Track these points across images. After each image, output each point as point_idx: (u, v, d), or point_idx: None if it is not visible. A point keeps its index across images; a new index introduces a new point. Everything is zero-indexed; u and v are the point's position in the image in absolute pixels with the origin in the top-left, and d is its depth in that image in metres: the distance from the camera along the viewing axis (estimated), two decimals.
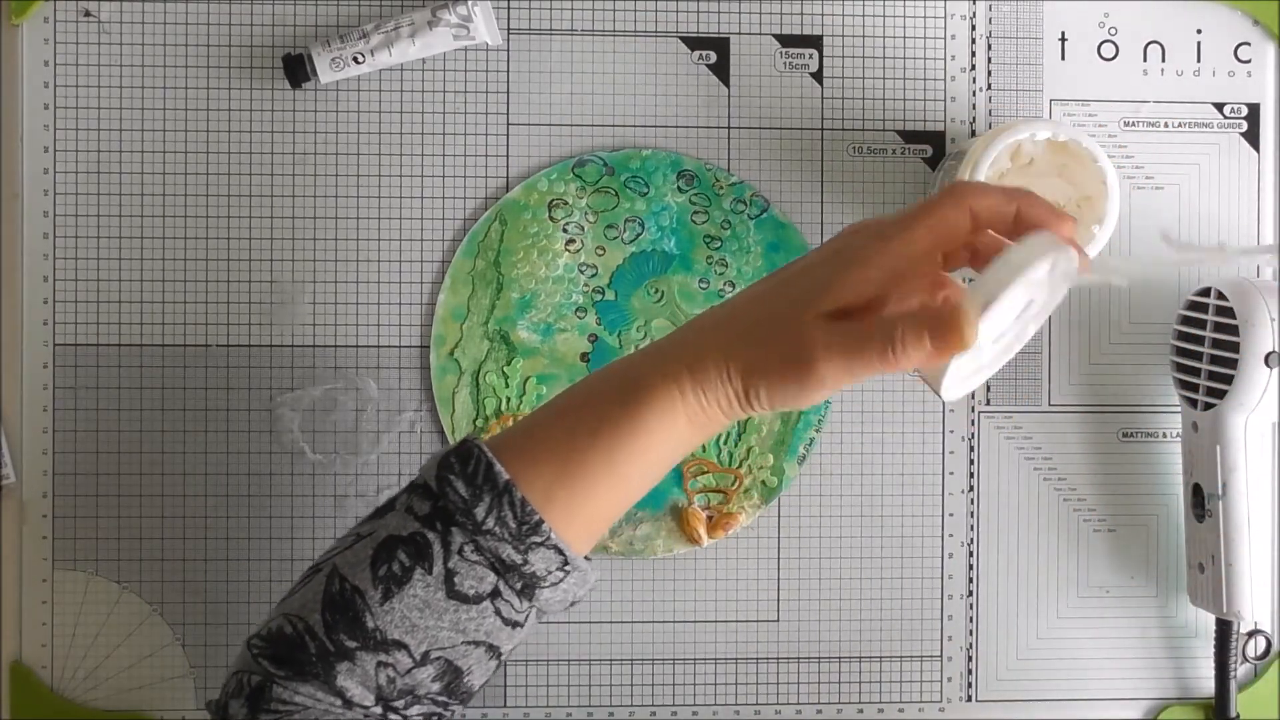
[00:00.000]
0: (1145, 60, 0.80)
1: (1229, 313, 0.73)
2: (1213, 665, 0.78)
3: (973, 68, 0.80)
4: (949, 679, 0.80)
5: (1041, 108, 0.80)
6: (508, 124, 0.79)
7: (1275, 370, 0.73)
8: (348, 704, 0.57)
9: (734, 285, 0.79)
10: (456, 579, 0.58)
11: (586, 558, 0.61)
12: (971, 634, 0.80)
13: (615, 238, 0.79)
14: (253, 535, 0.78)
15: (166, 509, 0.77)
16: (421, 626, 0.57)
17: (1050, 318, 0.79)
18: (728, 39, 0.79)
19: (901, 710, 0.80)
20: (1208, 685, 0.79)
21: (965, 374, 0.59)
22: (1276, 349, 0.73)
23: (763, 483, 0.79)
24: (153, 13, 0.77)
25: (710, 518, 0.79)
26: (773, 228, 0.79)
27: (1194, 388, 0.76)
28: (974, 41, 0.80)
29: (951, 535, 0.80)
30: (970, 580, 0.80)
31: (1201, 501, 0.76)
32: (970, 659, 0.80)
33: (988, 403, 0.80)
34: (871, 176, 0.80)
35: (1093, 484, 0.80)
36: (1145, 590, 0.81)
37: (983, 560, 0.80)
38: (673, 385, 0.58)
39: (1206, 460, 0.76)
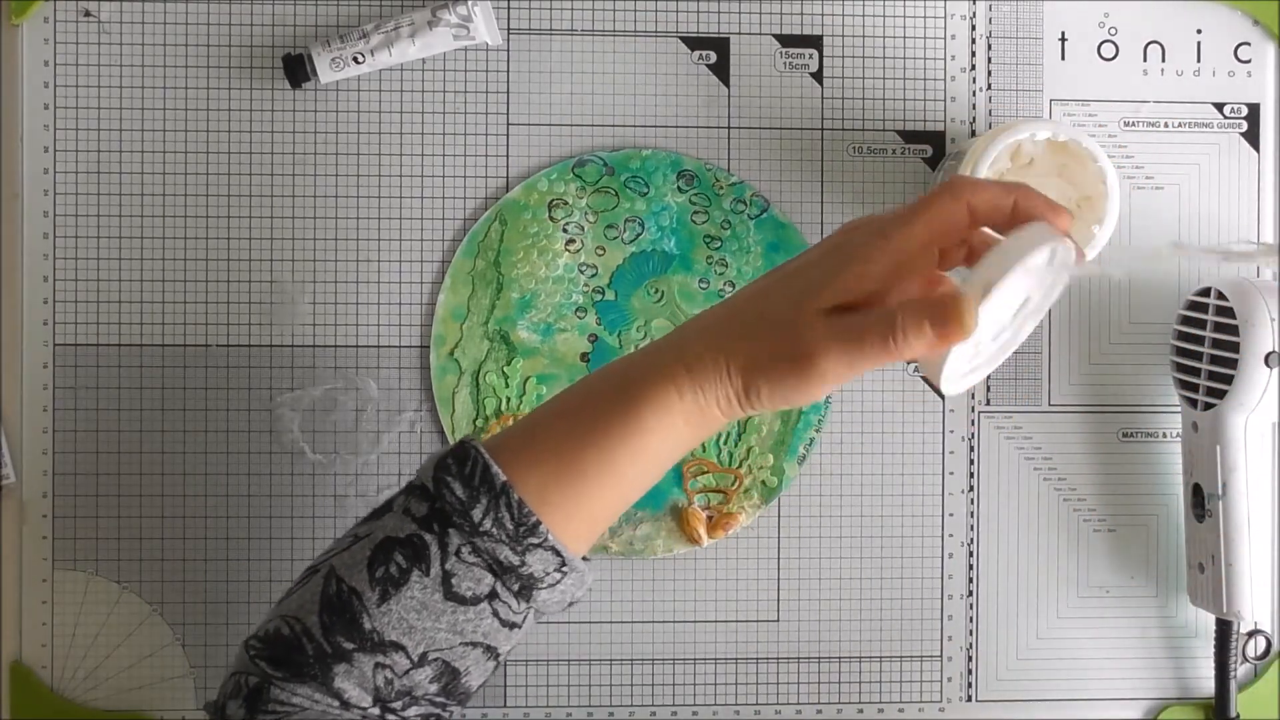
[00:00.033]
0: (1145, 60, 0.80)
1: (1229, 313, 0.73)
2: (1213, 665, 0.78)
3: (973, 68, 0.80)
4: (949, 679, 0.80)
5: (1041, 108, 0.80)
6: (508, 124, 0.78)
7: (1275, 370, 0.73)
8: (345, 705, 0.57)
9: (734, 285, 0.78)
10: (454, 580, 0.57)
11: (584, 558, 0.61)
12: (971, 634, 0.80)
13: (615, 238, 0.79)
14: (253, 535, 0.78)
15: (166, 509, 0.77)
16: (419, 628, 0.57)
17: (1050, 318, 0.79)
18: (728, 39, 0.79)
19: (901, 710, 0.80)
20: (1208, 685, 0.79)
21: (964, 370, 0.59)
22: (1276, 349, 0.73)
23: (763, 483, 0.79)
24: (153, 13, 0.77)
25: (710, 518, 0.79)
26: (773, 228, 0.79)
27: (1194, 388, 0.76)
28: (974, 41, 0.80)
29: (951, 535, 0.80)
30: (970, 580, 0.80)
31: (1201, 501, 0.76)
32: (970, 659, 0.80)
33: (988, 403, 0.80)
34: (871, 176, 0.79)
35: (1093, 484, 0.80)
36: (1145, 590, 0.80)
37: (983, 560, 0.80)
38: (670, 385, 0.58)
39: (1206, 460, 0.76)
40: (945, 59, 0.79)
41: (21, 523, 0.76)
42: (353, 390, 0.78)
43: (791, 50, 0.79)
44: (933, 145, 0.79)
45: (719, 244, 0.79)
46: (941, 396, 0.79)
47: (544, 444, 0.59)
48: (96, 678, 0.77)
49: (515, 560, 0.58)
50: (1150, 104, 0.80)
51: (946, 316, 0.55)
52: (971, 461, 0.79)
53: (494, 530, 0.57)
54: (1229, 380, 0.73)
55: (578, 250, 0.78)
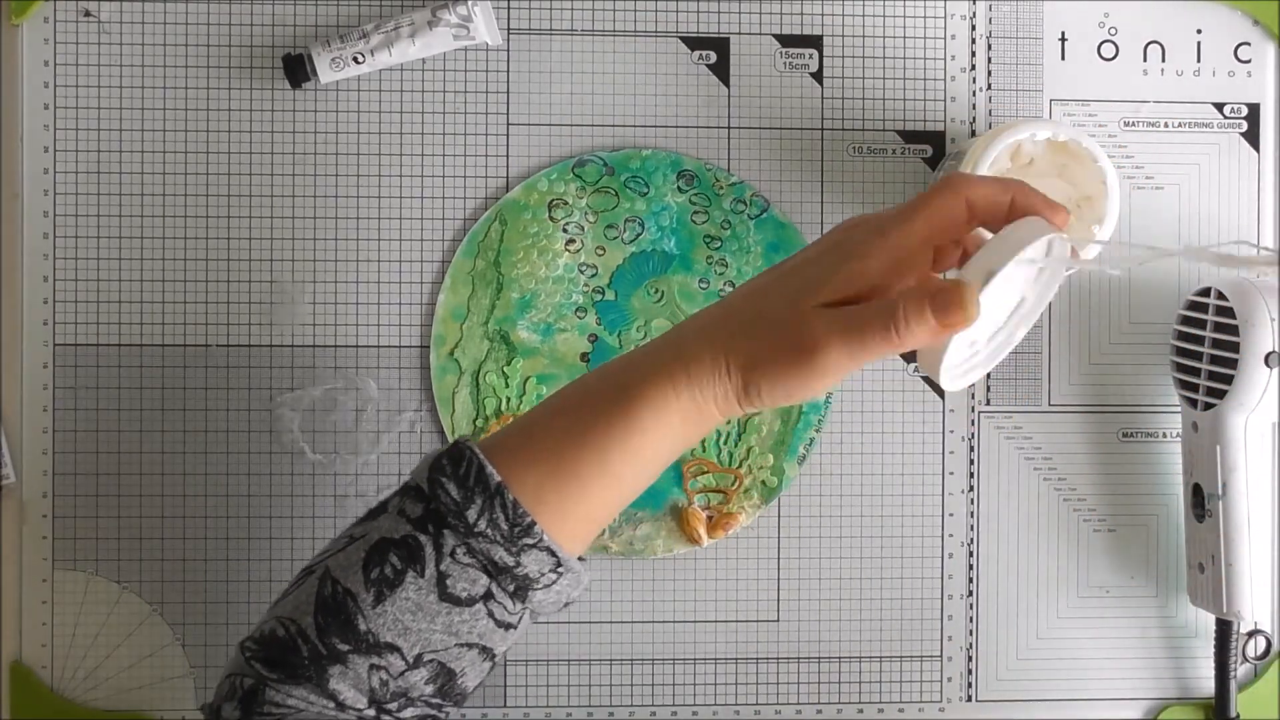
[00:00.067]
0: (1145, 60, 0.80)
1: (1229, 313, 0.73)
2: (1213, 665, 0.77)
3: (973, 68, 0.80)
4: (949, 679, 0.80)
5: (1041, 108, 0.80)
6: (508, 124, 0.78)
7: (1275, 370, 0.73)
8: (341, 706, 0.57)
9: (734, 285, 0.78)
10: (449, 581, 0.57)
11: (581, 558, 0.60)
12: (971, 634, 0.80)
13: (615, 238, 0.79)
14: (253, 535, 0.77)
15: (166, 509, 0.77)
16: (414, 629, 0.57)
17: (1050, 318, 0.79)
18: (728, 39, 0.79)
19: (901, 710, 0.79)
20: (1208, 685, 0.79)
21: (962, 368, 0.59)
22: (1276, 349, 0.73)
23: (763, 483, 0.79)
24: (153, 13, 0.77)
25: (710, 518, 0.79)
26: (773, 228, 0.79)
27: (1194, 388, 0.75)
28: (974, 41, 0.80)
29: (951, 535, 0.80)
30: (970, 580, 0.80)
31: (1201, 501, 0.76)
32: (970, 659, 0.80)
33: (988, 403, 0.80)
34: (871, 176, 0.79)
35: (1093, 484, 0.80)
36: (1145, 590, 0.80)
37: (983, 560, 0.80)
38: (667, 384, 0.58)
39: (1206, 460, 0.75)
40: (945, 59, 0.79)
41: (21, 523, 0.76)
42: (353, 390, 0.78)
43: (791, 50, 0.79)
44: (933, 145, 0.79)
45: (719, 244, 0.78)
46: (941, 396, 0.79)
47: (540, 444, 0.58)
48: (96, 678, 0.77)
49: (510, 561, 0.57)
50: (1150, 104, 0.80)
51: (948, 302, 0.55)
52: (971, 461, 0.79)
53: (489, 531, 0.57)
54: (1229, 380, 0.73)
55: (578, 250, 0.78)
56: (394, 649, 0.57)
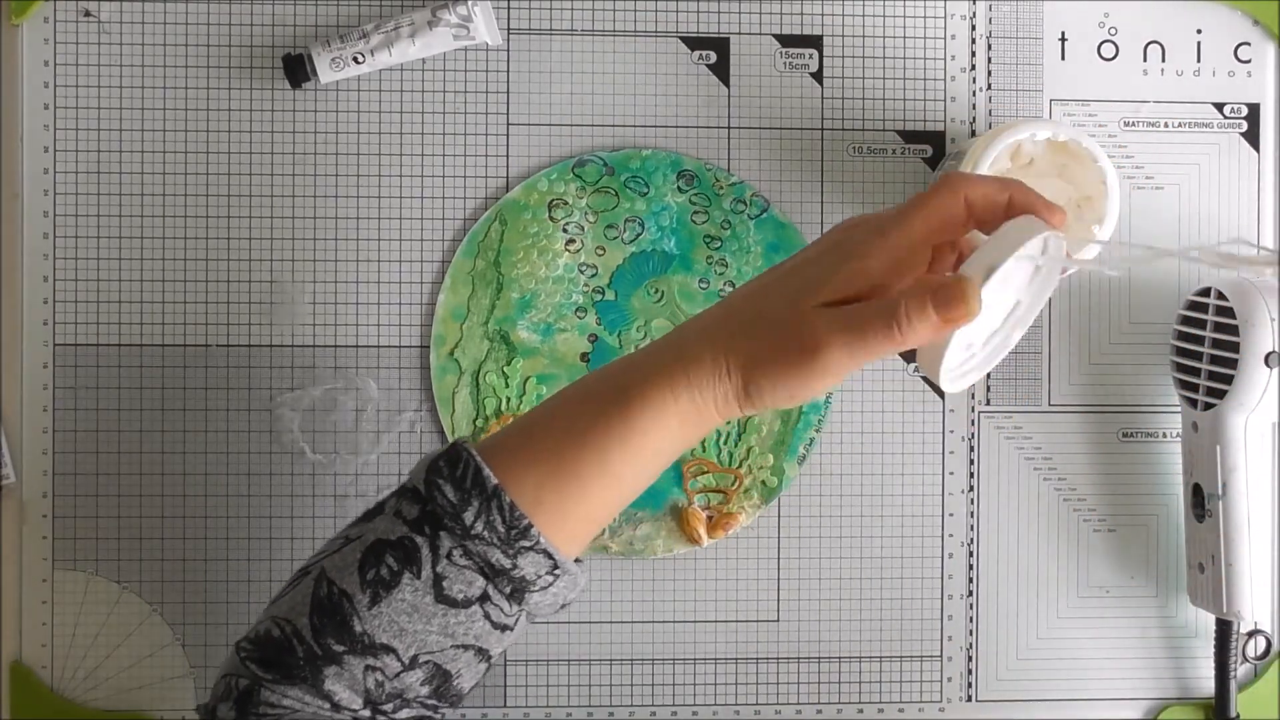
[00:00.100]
0: (1145, 60, 0.80)
1: (1229, 313, 0.73)
2: (1213, 665, 0.77)
3: (973, 68, 0.80)
4: (949, 679, 0.80)
5: (1041, 108, 0.80)
6: (508, 124, 0.78)
7: (1275, 370, 0.73)
8: (336, 707, 0.56)
9: (734, 285, 0.78)
10: (445, 583, 0.57)
11: (578, 560, 0.60)
12: (971, 634, 0.80)
13: (615, 238, 0.78)
14: (253, 535, 0.77)
15: (166, 509, 0.77)
16: (410, 631, 0.57)
17: (1050, 318, 0.79)
18: (728, 39, 0.79)
19: (901, 710, 0.79)
20: (1208, 685, 0.79)
21: (960, 369, 0.59)
22: (1276, 349, 0.72)
23: (763, 483, 0.79)
24: (153, 13, 0.77)
25: (710, 518, 0.79)
26: (773, 228, 0.79)
27: (1194, 388, 0.75)
28: (974, 41, 0.79)
29: (951, 535, 0.80)
30: (970, 580, 0.80)
31: (1201, 501, 0.76)
32: (970, 659, 0.80)
33: (988, 403, 0.80)
34: (871, 176, 0.79)
35: (1093, 484, 0.80)
36: (1145, 590, 0.80)
37: (983, 560, 0.80)
38: (665, 388, 0.57)
39: (1206, 460, 0.75)
40: (945, 59, 0.79)
41: (21, 523, 0.76)
42: (353, 390, 0.77)
43: (791, 50, 0.79)
44: (933, 145, 0.79)
45: (719, 244, 0.78)
46: (941, 396, 0.79)
47: (538, 446, 0.58)
48: (96, 678, 0.77)
49: (507, 563, 0.57)
50: (1150, 104, 0.80)
51: (950, 297, 0.54)
52: (971, 461, 0.79)
53: (485, 533, 0.57)
54: (1229, 380, 0.73)
55: (578, 250, 0.78)
56: (389, 650, 0.57)
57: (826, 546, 0.79)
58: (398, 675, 0.57)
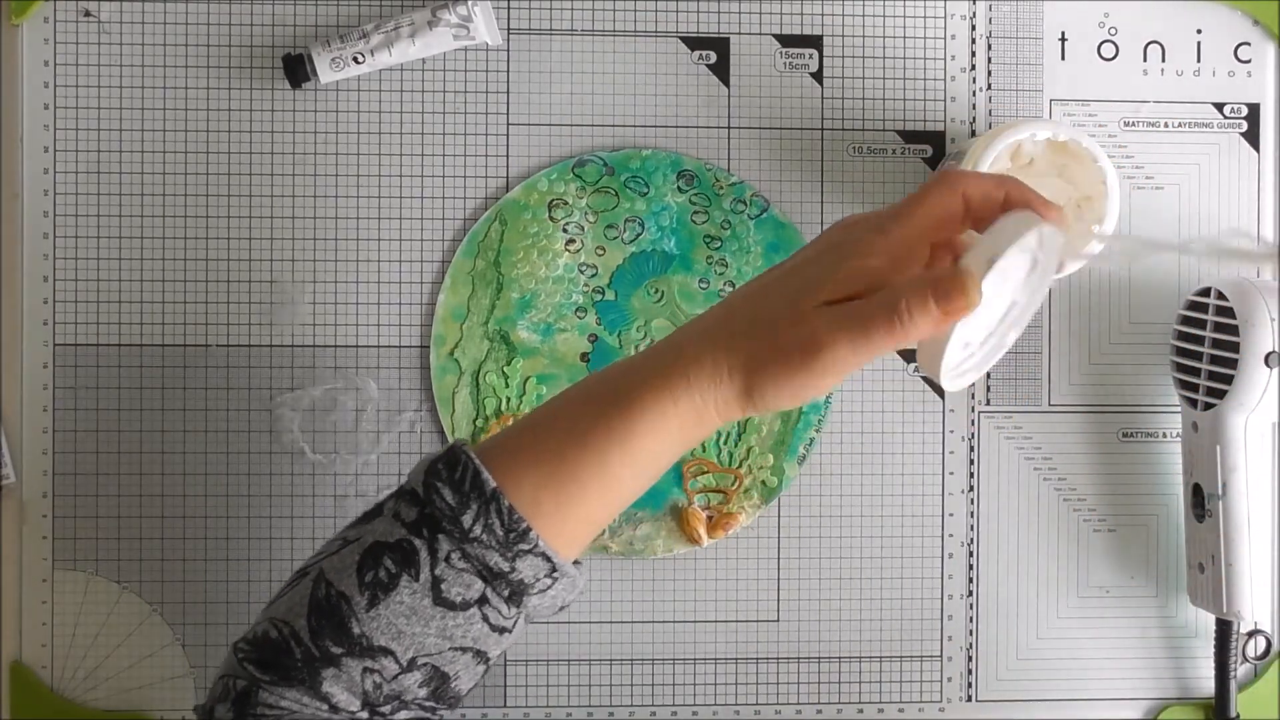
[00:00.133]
0: (1145, 60, 0.80)
1: (1229, 313, 0.73)
2: (1213, 665, 0.77)
3: (973, 68, 0.79)
4: (949, 679, 0.80)
5: (1041, 108, 0.80)
6: (508, 124, 0.78)
7: (1275, 370, 0.73)
8: (334, 709, 0.56)
9: (734, 285, 0.78)
10: (443, 586, 0.56)
11: (577, 562, 0.59)
12: (971, 634, 0.80)
13: (615, 238, 0.78)
14: (253, 535, 0.77)
15: (166, 509, 0.77)
16: (408, 633, 0.56)
17: (1050, 318, 0.79)
18: (728, 39, 0.79)
19: (901, 710, 0.79)
20: (1208, 685, 0.79)
21: (959, 369, 0.59)
22: (1276, 349, 0.72)
23: (763, 483, 0.79)
24: (153, 13, 0.77)
25: (710, 518, 0.79)
26: (773, 228, 0.79)
27: (1194, 388, 0.75)
28: (974, 41, 0.79)
29: (951, 535, 0.79)
30: (970, 580, 0.80)
31: (1201, 501, 0.76)
32: (970, 659, 0.80)
33: (988, 403, 0.80)
34: (871, 176, 0.79)
35: (1093, 484, 0.80)
36: (1145, 590, 0.80)
37: (983, 560, 0.80)
38: (664, 391, 0.57)
39: (1206, 460, 0.75)
40: (945, 59, 0.79)
41: (21, 523, 0.76)
42: (353, 390, 0.77)
43: (791, 50, 0.79)
44: (933, 145, 0.79)
45: (719, 244, 0.78)
46: (941, 396, 0.79)
47: (537, 449, 0.58)
48: (96, 678, 0.77)
49: (505, 566, 0.56)
50: (1150, 104, 0.80)
51: (951, 288, 0.54)
52: (971, 461, 0.79)
53: (484, 537, 0.56)
54: (1229, 380, 0.73)
55: (578, 250, 0.78)
56: (387, 652, 0.56)
57: (826, 546, 0.79)
58: (396, 677, 0.57)
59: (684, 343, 0.58)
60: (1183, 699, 0.79)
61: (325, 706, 0.56)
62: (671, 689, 0.78)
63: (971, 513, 0.79)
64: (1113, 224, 0.71)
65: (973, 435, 0.79)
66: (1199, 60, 0.79)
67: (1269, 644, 0.79)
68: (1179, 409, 0.78)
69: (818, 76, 0.78)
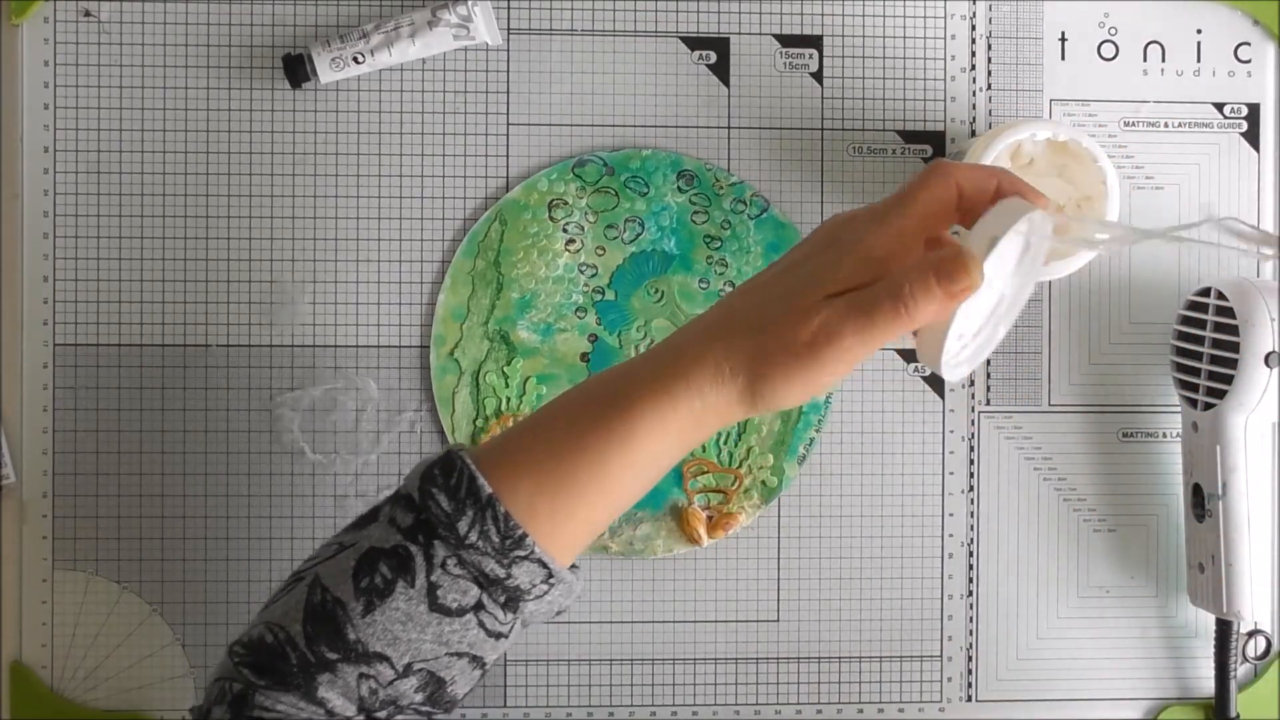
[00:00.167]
0: (1145, 60, 0.80)
1: (1229, 313, 0.73)
2: (1213, 665, 0.76)
3: (973, 68, 0.79)
4: (949, 679, 0.79)
5: (1041, 108, 0.79)
6: (508, 124, 0.78)
7: (1275, 370, 0.73)
8: (330, 714, 0.56)
9: (734, 285, 0.78)
10: (439, 592, 0.56)
11: (574, 566, 0.59)
12: (971, 634, 0.79)
13: (615, 238, 0.78)
14: (253, 535, 0.77)
15: (166, 509, 0.76)
16: (404, 639, 0.56)
17: (1050, 318, 0.79)
18: (728, 39, 0.79)
19: (901, 710, 0.79)
20: (1208, 685, 0.78)
21: (953, 362, 0.59)
22: (1276, 349, 0.72)
23: (763, 483, 0.79)
24: (153, 13, 0.77)
25: (710, 518, 0.78)
26: (773, 228, 0.79)
27: (1194, 388, 0.75)
28: (974, 41, 0.79)
29: (951, 535, 0.79)
30: (970, 580, 0.79)
31: (1201, 501, 0.76)
32: (970, 659, 0.79)
33: (988, 403, 0.80)
34: (871, 176, 0.79)
35: (1093, 484, 0.80)
36: (1145, 590, 0.80)
37: (983, 560, 0.79)
38: (663, 395, 0.56)
39: (1206, 460, 0.75)
40: (945, 59, 0.79)
41: (21, 523, 0.76)
42: (353, 390, 0.77)
43: (791, 50, 0.79)
44: (933, 145, 0.79)
45: (719, 244, 0.78)
46: (941, 396, 0.79)
47: (533, 455, 0.57)
48: (96, 678, 0.76)
49: (501, 573, 0.56)
50: (1150, 104, 0.79)
51: (953, 269, 0.54)
52: (971, 461, 0.79)
53: (480, 543, 0.56)
54: (1229, 380, 0.73)
55: (578, 250, 0.78)
56: (383, 658, 0.56)
57: (826, 546, 0.79)
58: (391, 683, 0.56)
59: (683, 344, 0.58)
60: (1183, 699, 0.79)
61: (321, 712, 0.56)
62: (671, 689, 0.78)
63: (971, 513, 0.79)
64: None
65: (973, 435, 0.79)
66: (1199, 60, 0.79)
67: (1269, 644, 0.79)
68: (1179, 409, 0.77)
69: (818, 76, 0.78)
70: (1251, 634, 0.78)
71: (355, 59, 0.74)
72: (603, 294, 0.77)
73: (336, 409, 0.77)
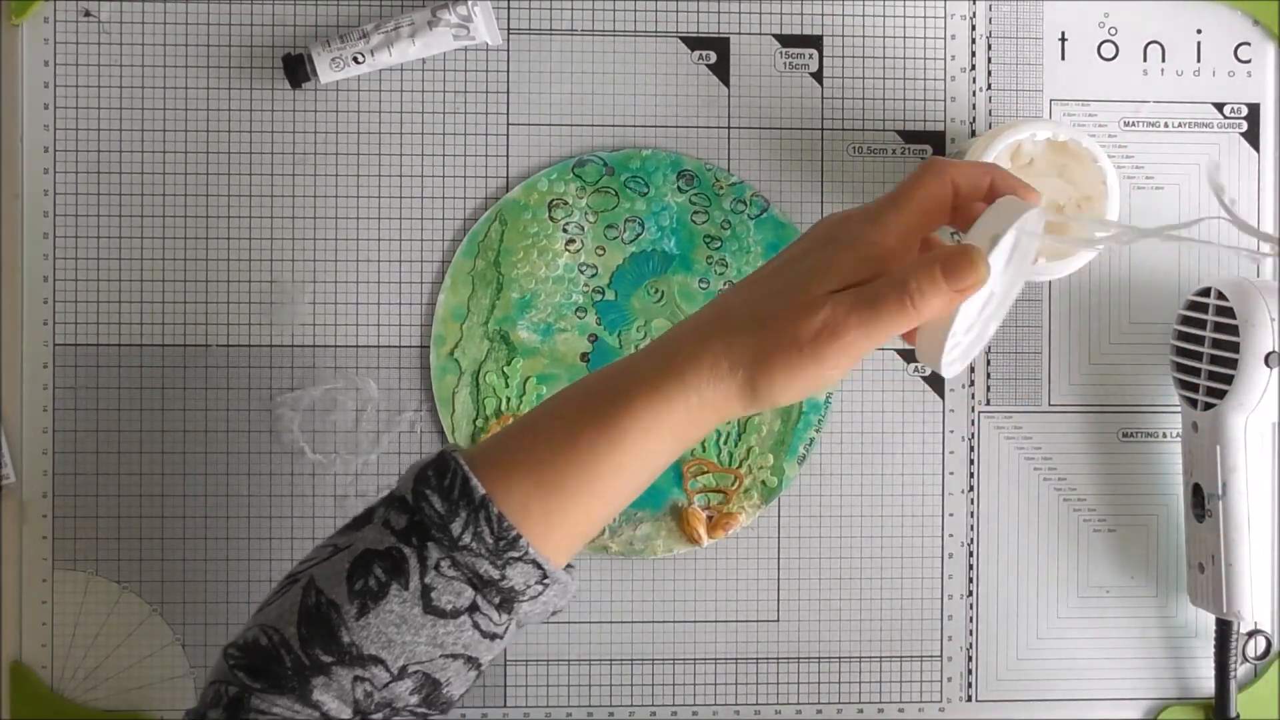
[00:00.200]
0: (1145, 60, 0.80)
1: (1229, 313, 0.73)
2: (1213, 665, 0.76)
3: (973, 68, 0.79)
4: (949, 679, 0.79)
5: (1041, 108, 0.79)
6: (508, 124, 0.78)
7: (1275, 370, 0.73)
8: (325, 717, 0.55)
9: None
10: (433, 594, 0.55)
11: (570, 566, 0.58)
12: (971, 634, 0.79)
13: (615, 238, 0.78)
14: (253, 535, 0.77)
15: (166, 509, 0.76)
16: (398, 641, 0.55)
17: (1050, 317, 0.79)
18: (728, 39, 0.78)
19: (901, 710, 0.79)
20: (1208, 685, 0.78)
21: (947, 358, 0.59)
22: (1276, 349, 0.72)
23: (763, 483, 0.79)
24: (153, 13, 0.77)
25: (710, 518, 0.78)
26: (773, 228, 0.79)
27: (1194, 388, 0.75)
28: (974, 41, 0.79)
29: (951, 535, 0.79)
30: (970, 580, 0.79)
31: (1201, 501, 0.76)
32: (970, 659, 0.79)
33: (988, 403, 0.80)
34: (871, 176, 0.79)
35: (1093, 484, 0.79)
36: (1145, 590, 0.80)
37: (983, 560, 0.79)
38: (657, 393, 0.56)
39: (1206, 460, 0.75)
40: (945, 59, 0.79)
41: (21, 523, 0.76)
42: (353, 390, 0.77)
43: (791, 50, 0.79)
44: (933, 145, 0.79)
45: (719, 244, 0.78)
46: (941, 396, 0.79)
47: (527, 456, 0.56)
48: (96, 678, 0.76)
49: (495, 574, 0.55)
50: (1150, 104, 0.79)
51: (960, 264, 0.54)
52: (971, 461, 0.79)
53: (473, 544, 0.55)
54: (1229, 380, 0.73)
55: (578, 250, 0.78)
56: (378, 661, 0.55)
57: (826, 546, 0.79)
58: (387, 685, 0.56)
59: (677, 343, 0.57)
60: (1183, 699, 0.79)
61: (316, 714, 0.55)
62: (671, 689, 0.78)
63: (971, 513, 0.79)
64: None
65: (973, 435, 0.79)
66: (1199, 60, 0.79)
67: (1269, 644, 0.79)
68: (1179, 409, 0.77)
69: (818, 76, 0.78)
70: (1251, 634, 0.78)
71: (355, 59, 0.74)
72: (603, 294, 0.77)
73: (336, 409, 0.76)
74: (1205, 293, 0.74)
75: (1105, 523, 0.79)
